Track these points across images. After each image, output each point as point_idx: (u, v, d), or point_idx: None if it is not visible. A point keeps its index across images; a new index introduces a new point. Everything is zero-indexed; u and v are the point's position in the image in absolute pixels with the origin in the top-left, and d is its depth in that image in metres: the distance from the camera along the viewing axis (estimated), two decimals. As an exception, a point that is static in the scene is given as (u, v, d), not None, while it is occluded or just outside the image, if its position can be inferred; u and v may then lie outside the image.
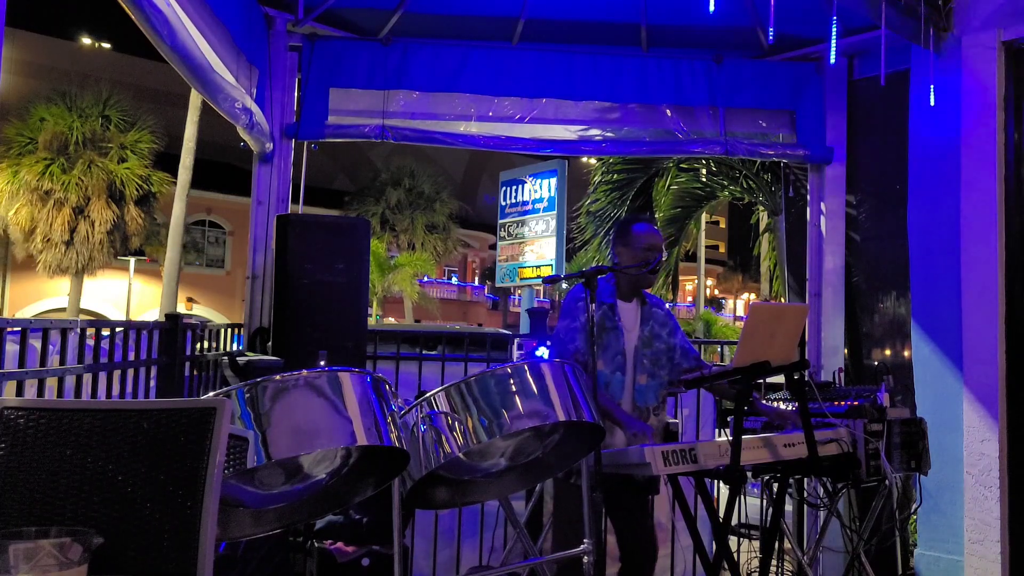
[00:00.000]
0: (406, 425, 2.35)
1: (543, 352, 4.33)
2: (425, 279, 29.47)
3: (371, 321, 16.24)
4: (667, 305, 3.62)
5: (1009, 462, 4.16)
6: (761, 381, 4.45)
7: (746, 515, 3.79)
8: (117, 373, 3.12)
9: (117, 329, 3.15)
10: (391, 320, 27.58)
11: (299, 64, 4.80)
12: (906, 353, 4.80)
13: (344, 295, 4.19)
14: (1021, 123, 4.29)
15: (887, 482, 3.43)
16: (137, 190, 20.89)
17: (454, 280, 36.31)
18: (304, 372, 2.11)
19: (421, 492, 2.54)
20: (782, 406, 3.60)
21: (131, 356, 3.21)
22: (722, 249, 47.68)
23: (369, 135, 4.86)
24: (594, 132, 5.20)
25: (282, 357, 3.93)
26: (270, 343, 4.35)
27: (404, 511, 2.53)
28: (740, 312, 42.64)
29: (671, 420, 3.77)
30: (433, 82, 4.95)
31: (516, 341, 4.94)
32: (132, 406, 1.80)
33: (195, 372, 3.80)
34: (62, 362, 2.76)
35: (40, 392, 2.59)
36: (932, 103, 4.25)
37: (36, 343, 2.62)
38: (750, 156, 5.47)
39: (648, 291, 3.51)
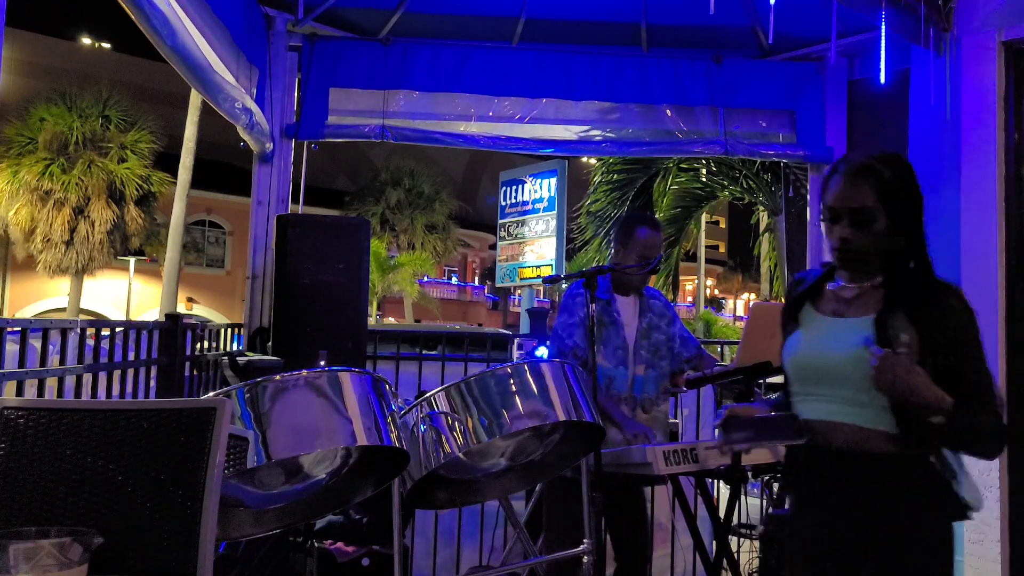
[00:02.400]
0: (406, 425, 2.35)
1: (543, 352, 4.33)
2: (425, 279, 29.49)
3: (371, 321, 16.23)
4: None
5: (1009, 462, 4.16)
6: (762, 381, 4.45)
7: (747, 515, 3.79)
8: (117, 373, 3.12)
9: (117, 329, 3.15)
10: (391, 320, 27.59)
11: (299, 64, 4.80)
12: (906, 353, 4.79)
13: (344, 295, 4.19)
14: (1021, 123, 4.28)
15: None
16: (137, 190, 20.91)
17: (454, 280, 36.31)
18: (304, 372, 2.11)
19: (421, 492, 2.53)
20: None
21: (131, 356, 3.20)
22: (722, 249, 47.68)
23: (369, 135, 4.86)
24: (594, 132, 5.20)
25: (282, 357, 3.92)
26: (270, 343, 4.35)
27: (404, 511, 2.52)
28: (740, 312, 42.64)
29: (671, 420, 3.76)
30: (433, 82, 4.95)
31: (516, 341, 4.96)
32: (132, 406, 1.80)
33: (195, 372, 3.80)
34: (62, 362, 2.76)
35: (40, 392, 2.59)
36: (932, 103, 4.25)
37: (36, 343, 2.62)
38: (750, 156, 5.47)
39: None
